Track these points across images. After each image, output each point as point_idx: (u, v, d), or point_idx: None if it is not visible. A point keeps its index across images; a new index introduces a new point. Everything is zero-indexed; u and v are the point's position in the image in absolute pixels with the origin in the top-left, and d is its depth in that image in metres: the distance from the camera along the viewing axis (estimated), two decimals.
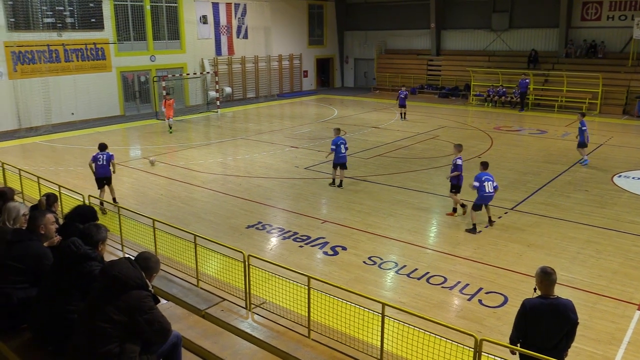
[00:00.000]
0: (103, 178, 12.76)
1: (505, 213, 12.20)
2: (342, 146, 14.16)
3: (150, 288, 4.38)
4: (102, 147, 12.86)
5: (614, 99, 26.63)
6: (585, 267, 9.34)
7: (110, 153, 12.92)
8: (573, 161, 16.68)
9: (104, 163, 12.69)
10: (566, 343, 5.28)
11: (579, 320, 5.24)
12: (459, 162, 12.06)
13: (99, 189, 12.72)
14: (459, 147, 12.29)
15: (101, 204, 11.66)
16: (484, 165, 11.62)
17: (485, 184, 11.24)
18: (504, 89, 28.96)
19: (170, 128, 22.63)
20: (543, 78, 29.10)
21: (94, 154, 12.80)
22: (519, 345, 5.30)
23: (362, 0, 37.31)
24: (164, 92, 24.82)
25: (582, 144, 16.35)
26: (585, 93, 26.79)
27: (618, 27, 28.20)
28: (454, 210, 12.30)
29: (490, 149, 18.72)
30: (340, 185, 14.36)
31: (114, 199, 12.79)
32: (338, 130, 14.62)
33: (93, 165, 12.65)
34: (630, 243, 10.43)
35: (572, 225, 11.44)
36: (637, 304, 8.08)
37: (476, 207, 11.32)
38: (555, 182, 14.67)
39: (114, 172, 12.92)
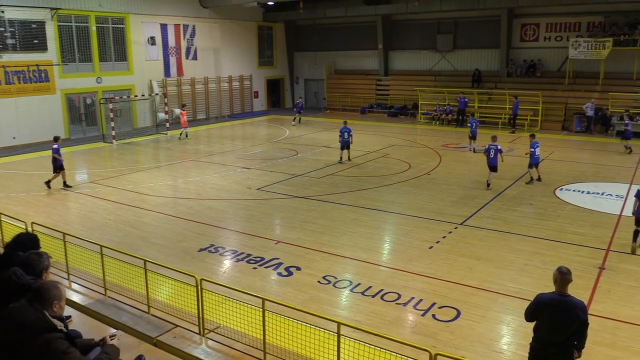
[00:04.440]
0: (53, 166, 16.44)
1: (455, 228, 12.49)
2: (345, 133, 19.54)
3: (61, 327, 3.99)
4: (54, 138, 16.57)
5: (554, 116, 27.89)
6: (532, 278, 9.64)
7: (55, 146, 16.16)
8: (518, 176, 17.27)
9: (51, 154, 16.31)
10: (578, 342, 5.59)
11: (588, 321, 5.58)
12: (499, 147, 15.80)
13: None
14: (494, 137, 16.40)
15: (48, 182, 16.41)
16: (533, 136, 16.69)
17: (536, 149, 16.14)
18: (450, 108, 29.85)
19: (182, 136, 26.05)
20: (487, 96, 30.18)
21: None
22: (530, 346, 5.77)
23: (311, 22, 37.83)
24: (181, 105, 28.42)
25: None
26: (526, 110, 27.90)
27: (555, 48, 29.68)
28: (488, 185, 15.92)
29: (439, 166, 19.18)
30: (342, 161, 19.69)
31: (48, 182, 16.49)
32: (345, 122, 20.22)
33: None
34: (573, 253, 10.85)
35: (519, 237, 11.82)
36: None
37: (531, 165, 16.33)
38: (501, 196, 15.14)
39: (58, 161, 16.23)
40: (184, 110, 26.72)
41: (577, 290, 9.09)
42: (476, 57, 32.40)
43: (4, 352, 3.79)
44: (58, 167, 16.40)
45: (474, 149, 21.89)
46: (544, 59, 30.17)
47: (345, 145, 19.60)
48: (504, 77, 30.89)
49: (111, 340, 4.51)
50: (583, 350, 5.71)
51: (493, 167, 15.85)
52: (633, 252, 10.53)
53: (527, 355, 5.83)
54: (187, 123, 26.36)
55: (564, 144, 23.78)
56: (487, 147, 16.01)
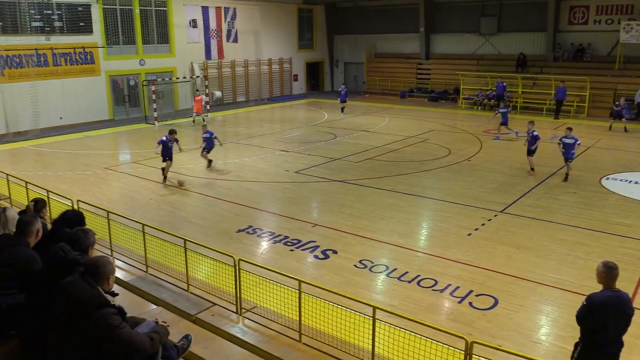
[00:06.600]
0: (164, 156, 15.36)
1: (495, 216, 12.27)
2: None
3: (113, 303, 4.05)
4: (169, 131, 15.56)
5: (601, 102, 26.87)
6: (574, 269, 9.41)
7: (172, 138, 15.29)
8: (562, 164, 16.76)
9: (169, 145, 15.32)
10: None
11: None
12: (535, 133, 15.70)
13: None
14: (532, 123, 16.20)
15: (164, 173, 15.42)
16: (570, 129, 15.69)
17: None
18: (493, 93, 29.15)
19: (194, 122, 25.34)
20: (532, 81, 29.34)
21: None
22: (579, 347, 5.26)
23: (352, 4, 37.40)
24: (196, 90, 28.03)
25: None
26: (573, 96, 26.98)
27: (605, 31, 28.49)
28: (532, 169, 15.87)
29: (480, 152, 18.82)
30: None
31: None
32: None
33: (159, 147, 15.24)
34: (617, 245, 10.52)
35: (561, 227, 11.53)
36: None
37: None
38: (543, 184, 14.77)
39: (180, 149, 16.05)
40: (199, 96, 25.95)
41: (621, 283, 8.71)
42: (521, 40, 31.42)
43: (61, 327, 3.87)
44: (166, 156, 15.34)
45: (516, 133, 21.27)
46: (593, 43, 29.06)
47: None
48: (550, 62, 29.92)
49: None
50: (627, 345, 5.53)
51: (532, 152, 15.91)
52: None
53: (575, 354, 5.39)
54: (202, 109, 25.92)
55: (612, 132, 22.96)
56: (534, 133, 15.80)
